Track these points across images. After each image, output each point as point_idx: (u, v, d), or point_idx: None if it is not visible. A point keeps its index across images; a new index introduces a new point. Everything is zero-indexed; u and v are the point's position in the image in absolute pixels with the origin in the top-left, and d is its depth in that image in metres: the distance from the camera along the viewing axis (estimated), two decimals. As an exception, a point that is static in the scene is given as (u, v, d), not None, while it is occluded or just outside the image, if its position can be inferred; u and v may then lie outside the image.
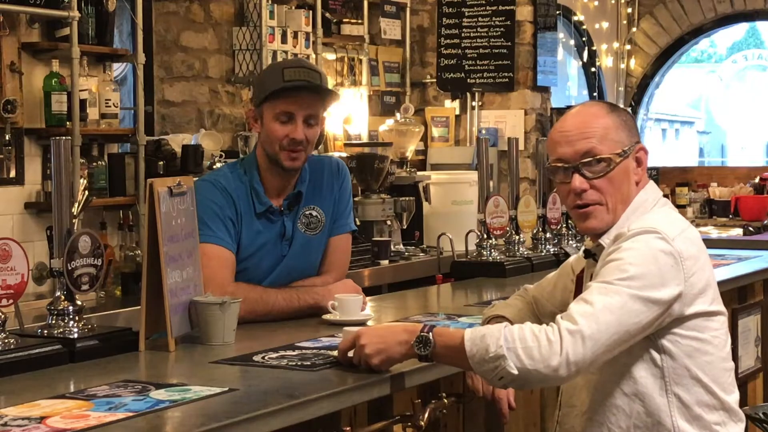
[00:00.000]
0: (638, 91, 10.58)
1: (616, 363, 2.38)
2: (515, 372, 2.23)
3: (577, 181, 2.46)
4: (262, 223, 3.28)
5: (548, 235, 4.68)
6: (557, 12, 8.01)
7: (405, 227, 6.08)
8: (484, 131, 7.49)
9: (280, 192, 3.31)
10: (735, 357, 4.29)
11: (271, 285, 3.25)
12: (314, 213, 3.35)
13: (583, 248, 2.66)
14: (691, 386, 2.39)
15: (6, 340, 2.46)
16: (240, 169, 3.31)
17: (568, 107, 7.66)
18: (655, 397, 2.39)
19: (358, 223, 5.70)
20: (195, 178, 3.01)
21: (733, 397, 2.48)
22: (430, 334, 2.34)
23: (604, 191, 2.46)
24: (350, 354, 2.44)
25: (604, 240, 2.47)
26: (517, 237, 4.51)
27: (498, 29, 7.53)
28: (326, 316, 3.12)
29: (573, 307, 2.30)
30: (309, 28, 6.53)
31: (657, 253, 2.32)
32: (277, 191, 3.30)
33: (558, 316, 2.29)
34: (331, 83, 6.98)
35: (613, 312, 2.26)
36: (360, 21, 7.20)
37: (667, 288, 2.31)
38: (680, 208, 9.11)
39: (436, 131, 7.76)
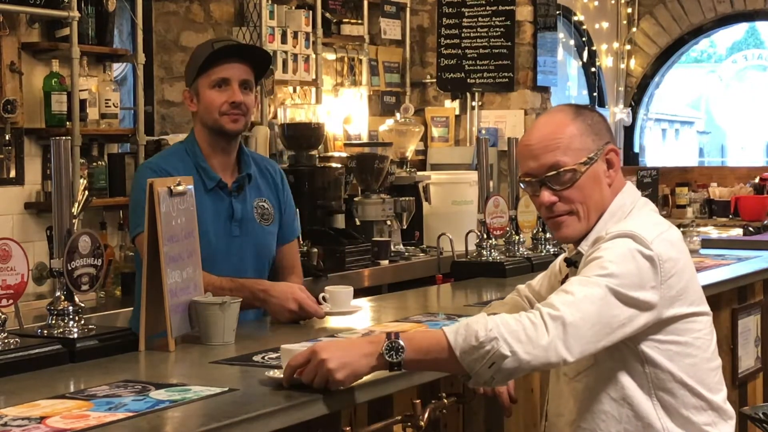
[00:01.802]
0: (638, 91, 10.58)
1: (601, 368, 2.37)
2: (508, 354, 2.18)
3: (545, 195, 2.46)
4: (211, 200, 3.30)
5: (548, 235, 4.68)
6: (557, 12, 8.01)
7: (405, 227, 6.08)
8: (484, 131, 7.49)
9: (224, 170, 3.36)
10: (735, 357, 4.29)
11: (228, 268, 3.25)
12: (266, 205, 3.43)
13: (563, 255, 2.66)
14: (676, 390, 2.39)
15: (6, 340, 2.47)
16: (182, 149, 3.36)
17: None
18: (643, 401, 2.38)
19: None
20: (189, 177, 2.99)
21: (720, 396, 2.47)
22: (399, 339, 2.24)
23: (574, 200, 2.45)
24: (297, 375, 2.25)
25: (583, 247, 2.46)
26: (517, 237, 4.51)
27: (498, 29, 7.53)
28: None
29: (553, 296, 2.29)
30: (309, 28, 6.53)
31: (635, 254, 2.31)
32: (221, 168, 3.35)
33: (538, 304, 2.28)
34: (330, 83, 6.99)
35: (593, 303, 2.25)
36: (360, 21, 7.20)
37: (644, 290, 2.30)
38: (680, 208, 9.12)
39: (436, 131, 7.76)
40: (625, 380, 2.38)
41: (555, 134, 2.45)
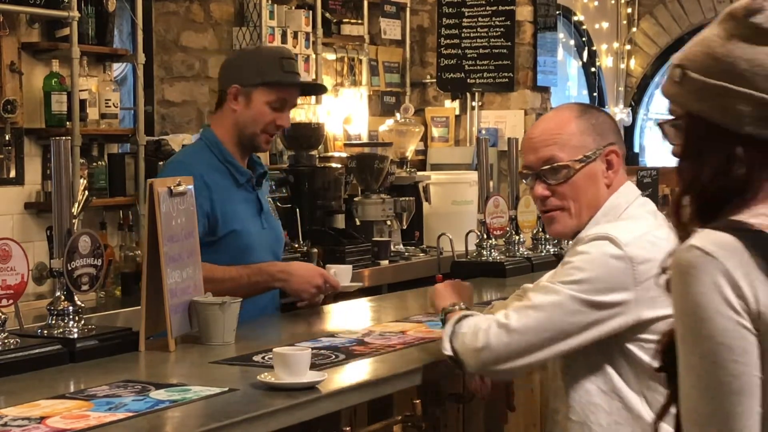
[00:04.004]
0: (638, 91, 10.58)
1: (590, 361, 2.41)
2: (449, 353, 2.44)
3: (539, 188, 2.53)
4: (242, 195, 3.35)
5: (548, 235, 4.68)
6: (557, 12, 8.00)
7: (405, 227, 6.08)
8: (484, 131, 7.49)
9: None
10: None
11: (262, 260, 3.31)
12: (271, 200, 3.59)
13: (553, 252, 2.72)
14: (660, 388, 2.39)
15: (6, 340, 2.46)
16: (204, 146, 3.37)
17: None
18: (632, 394, 2.40)
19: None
20: (189, 177, 3.00)
21: None
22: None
23: (567, 197, 2.51)
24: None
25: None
26: (517, 237, 4.51)
27: (498, 29, 7.53)
28: None
29: (515, 302, 2.44)
30: (309, 28, 6.52)
31: (607, 258, 2.35)
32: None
33: (504, 309, 2.42)
34: (330, 83, 6.99)
35: (545, 309, 2.34)
36: (360, 21, 7.20)
37: (615, 293, 2.34)
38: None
39: (436, 131, 7.76)
40: (613, 373, 2.42)
41: (555, 129, 2.52)
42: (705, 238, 1.59)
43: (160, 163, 5.32)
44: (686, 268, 1.57)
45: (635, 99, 10.57)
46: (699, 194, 1.70)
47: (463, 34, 7.61)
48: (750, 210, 1.63)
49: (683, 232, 1.68)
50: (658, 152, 10.73)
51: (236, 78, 3.34)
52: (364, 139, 7.00)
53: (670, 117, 1.75)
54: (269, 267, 3.24)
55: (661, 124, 1.78)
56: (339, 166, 5.82)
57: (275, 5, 6.33)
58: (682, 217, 1.72)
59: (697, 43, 1.71)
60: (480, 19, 7.57)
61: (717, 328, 1.53)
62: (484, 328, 2.39)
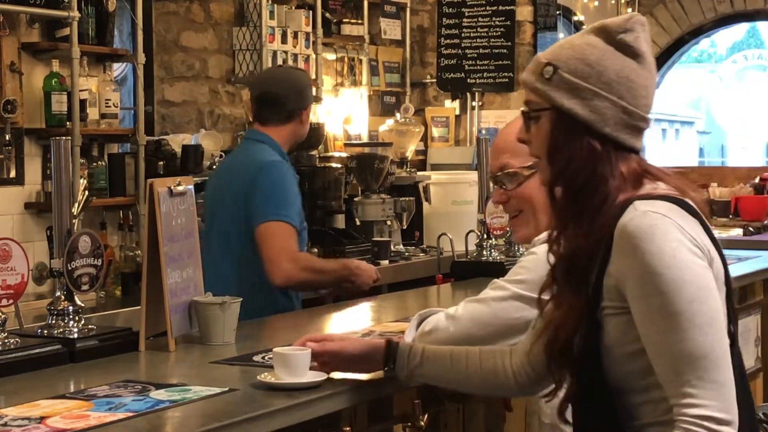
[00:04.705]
0: (638, 91, 10.56)
1: None
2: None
3: (497, 194, 2.64)
4: None
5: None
6: (557, 12, 8.01)
7: (405, 227, 6.08)
8: (484, 131, 7.49)
9: None
10: (735, 357, 4.29)
11: None
12: None
13: None
14: None
15: (6, 340, 2.47)
16: (271, 149, 3.75)
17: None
18: None
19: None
20: (195, 179, 3.07)
21: None
22: None
23: (522, 202, 2.60)
24: None
25: None
26: (517, 237, 4.51)
27: (498, 29, 7.53)
28: None
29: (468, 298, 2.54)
30: (309, 28, 6.53)
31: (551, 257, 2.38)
32: None
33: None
34: (330, 83, 7.00)
35: (489, 305, 2.44)
36: (360, 21, 7.20)
37: None
38: (680, 208, 9.09)
39: (436, 131, 7.76)
40: None
41: (510, 137, 2.57)
42: (650, 205, 1.86)
43: (160, 162, 5.33)
44: (652, 229, 1.83)
45: (635, 99, 10.54)
46: (570, 182, 1.93)
47: (463, 34, 7.61)
48: (625, 193, 1.90)
49: (558, 214, 1.96)
50: (658, 152, 10.73)
51: (310, 99, 3.87)
52: (364, 139, 7.00)
53: (529, 107, 2.00)
54: (348, 263, 3.76)
55: (525, 113, 2.01)
56: (339, 166, 5.82)
57: (275, 5, 6.33)
58: (557, 202, 1.97)
59: (567, 47, 1.96)
60: (480, 19, 7.57)
61: (695, 274, 1.82)
62: (435, 319, 2.49)
